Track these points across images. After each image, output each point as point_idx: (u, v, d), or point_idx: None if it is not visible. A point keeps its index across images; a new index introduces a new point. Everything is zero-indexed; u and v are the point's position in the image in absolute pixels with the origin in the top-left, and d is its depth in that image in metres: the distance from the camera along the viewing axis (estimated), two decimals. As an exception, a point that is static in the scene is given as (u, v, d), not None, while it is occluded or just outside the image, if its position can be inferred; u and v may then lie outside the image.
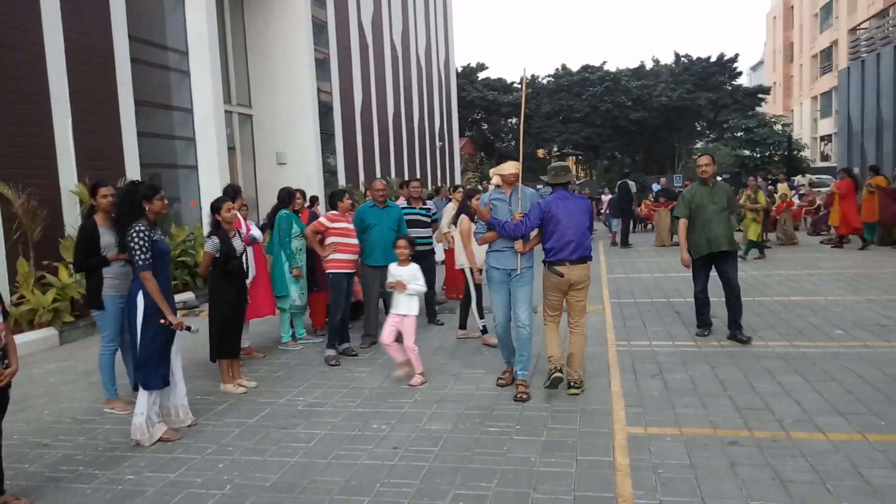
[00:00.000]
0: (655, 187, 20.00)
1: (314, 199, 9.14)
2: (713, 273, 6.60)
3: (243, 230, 6.33)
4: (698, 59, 37.16)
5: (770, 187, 22.22)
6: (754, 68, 70.53)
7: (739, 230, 11.19)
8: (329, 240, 6.40)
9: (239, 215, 6.27)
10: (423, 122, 27.58)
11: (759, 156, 30.69)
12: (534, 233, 5.13)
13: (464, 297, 7.09)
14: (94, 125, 9.70)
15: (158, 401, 4.46)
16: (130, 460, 4.13)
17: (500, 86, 40.98)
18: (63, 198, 9.00)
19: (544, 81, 39.98)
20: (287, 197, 7.09)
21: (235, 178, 14.52)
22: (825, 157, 44.99)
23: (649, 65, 40.57)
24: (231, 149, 14.52)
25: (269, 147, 15.96)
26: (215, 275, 5.43)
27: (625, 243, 16.18)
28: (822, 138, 47.53)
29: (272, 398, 5.29)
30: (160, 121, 12.05)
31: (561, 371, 4.99)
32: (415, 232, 7.35)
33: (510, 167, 5.19)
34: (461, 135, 36.95)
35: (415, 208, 7.70)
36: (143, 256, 4.29)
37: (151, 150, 11.39)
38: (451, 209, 8.81)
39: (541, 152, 41.23)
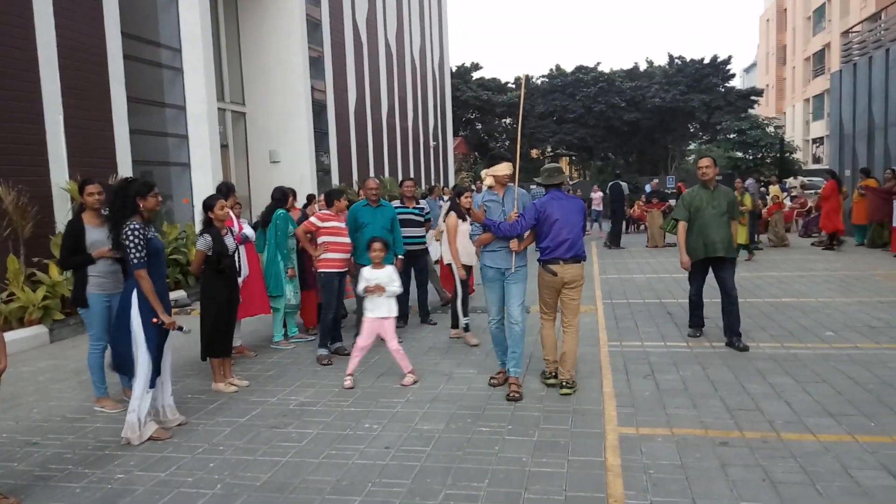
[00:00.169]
0: (648, 189, 20.03)
1: (311, 198, 9.12)
2: (710, 277, 6.55)
3: (235, 228, 6.31)
4: (692, 60, 37.27)
5: (762, 189, 22.35)
6: (747, 70, 70.85)
7: None
8: (320, 239, 6.39)
9: (231, 213, 6.25)
10: (417, 121, 27.56)
11: (751, 158, 30.81)
12: (527, 232, 5.19)
13: (453, 295, 7.10)
14: (86, 122, 9.65)
15: (150, 399, 4.44)
16: (120, 459, 4.11)
17: (495, 86, 40.98)
18: (54, 195, 8.95)
19: (538, 82, 40.01)
20: (282, 196, 7.08)
21: (228, 176, 14.47)
22: (817, 160, 45.28)
23: (643, 66, 40.64)
24: (224, 147, 14.48)
25: (263, 145, 15.92)
26: (207, 273, 5.40)
27: (616, 244, 16.21)
28: (814, 140, 47.82)
29: (264, 397, 5.28)
30: (153, 118, 11.99)
31: (555, 376, 5.22)
32: (408, 231, 7.35)
33: (504, 168, 5.22)
34: (455, 134, 36.95)
35: (408, 207, 7.69)
36: (137, 255, 4.27)
37: (144, 148, 11.33)
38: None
39: (534, 153, 41.27)
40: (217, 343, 5.45)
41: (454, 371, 5.85)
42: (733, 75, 38.48)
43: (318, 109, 17.25)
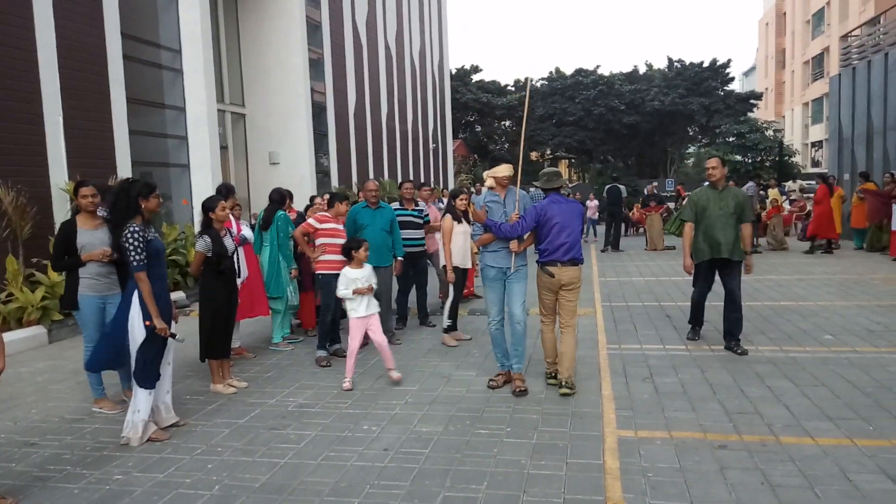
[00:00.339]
0: (646, 192, 20.03)
1: (314, 199, 9.13)
2: (717, 284, 6.45)
3: (234, 230, 6.31)
4: (691, 64, 37.30)
5: (761, 193, 22.37)
6: (746, 74, 70.98)
7: None
8: (318, 241, 6.40)
9: (231, 215, 6.25)
10: (416, 123, 27.58)
11: (750, 161, 30.84)
12: (528, 234, 5.25)
13: (444, 296, 7.15)
14: (86, 123, 9.65)
15: (151, 400, 4.44)
16: (119, 460, 4.10)
17: (494, 88, 41.02)
18: (53, 195, 8.95)
19: (538, 84, 40.05)
20: (280, 198, 7.09)
21: (228, 177, 14.48)
22: (816, 163, 45.33)
23: (642, 69, 40.70)
24: (223, 148, 14.48)
25: (262, 147, 15.92)
26: (206, 274, 5.40)
27: (616, 247, 16.22)
28: (813, 144, 47.88)
29: (262, 399, 5.27)
30: (152, 119, 11.99)
31: (555, 377, 5.31)
32: (407, 233, 7.35)
33: (504, 170, 5.30)
34: (455, 137, 36.97)
35: (407, 209, 7.69)
36: (137, 257, 4.27)
37: (143, 149, 11.33)
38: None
39: (534, 155, 41.30)
40: (216, 344, 5.44)
41: (453, 373, 5.84)
42: (732, 79, 38.50)
43: (318, 111, 17.26)
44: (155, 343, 4.38)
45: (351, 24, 20.05)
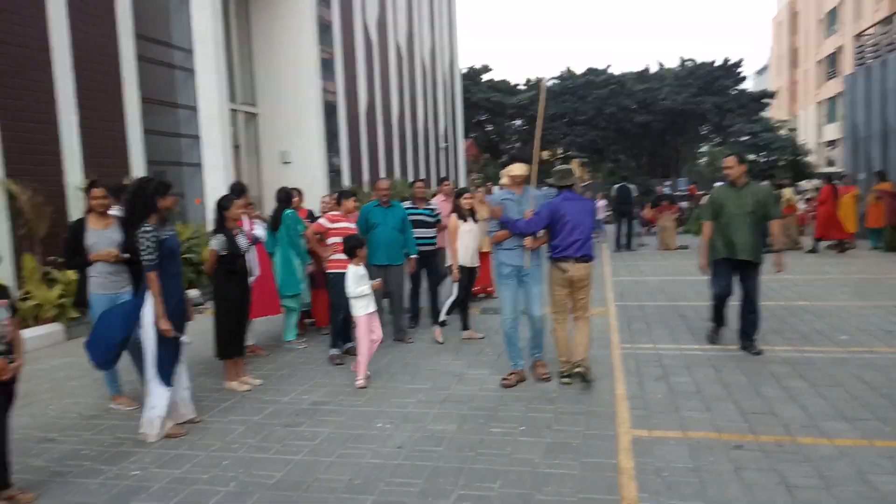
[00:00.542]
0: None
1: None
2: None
3: (247, 228, 6.35)
4: (703, 63, 37.07)
5: (775, 192, 22.16)
6: (759, 73, 70.44)
7: None
8: (330, 240, 6.42)
9: (244, 214, 6.29)
10: (427, 122, 27.60)
11: (763, 161, 30.63)
12: (542, 231, 5.34)
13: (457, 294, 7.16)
14: (100, 122, 9.74)
15: (169, 396, 4.46)
16: (136, 456, 4.14)
17: (505, 87, 40.97)
18: (69, 194, 9.04)
19: (549, 84, 39.95)
20: (286, 197, 7.13)
21: (240, 176, 14.55)
22: (830, 163, 44.92)
23: (654, 69, 40.49)
24: (236, 147, 14.56)
25: (274, 146, 15.99)
26: (220, 273, 5.43)
27: (628, 247, 16.16)
28: (827, 143, 47.46)
29: (277, 396, 5.30)
30: (165, 119, 12.08)
31: (570, 377, 5.36)
32: (419, 232, 7.36)
33: (519, 169, 5.40)
34: (465, 136, 36.95)
35: (419, 208, 7.70)
36: (148, 257, 4.29)
37: (156, 148, 11.42)
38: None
39: (545, 154, 41.24)
40: (230, 342, 5.47)
41: (466, 372, 5.85)
42: (745, 78, 38.21)
43: (330, 111, 17.31)
44: (170, 341, 4.41)
45: (362, 24, 20.10)
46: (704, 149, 43.08)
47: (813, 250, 14.03)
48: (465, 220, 7.03)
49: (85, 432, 4.62)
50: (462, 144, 34.27)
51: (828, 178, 14.79)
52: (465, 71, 38.79)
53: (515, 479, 3.69)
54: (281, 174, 15.44)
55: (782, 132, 32.47)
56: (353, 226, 6.57)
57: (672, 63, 43.03)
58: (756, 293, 6.12)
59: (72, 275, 8.01)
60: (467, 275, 7.07)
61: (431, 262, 7.70)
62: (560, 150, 41.07)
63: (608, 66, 39.37)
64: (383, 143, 21.87)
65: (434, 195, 10.29)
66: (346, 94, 18.53)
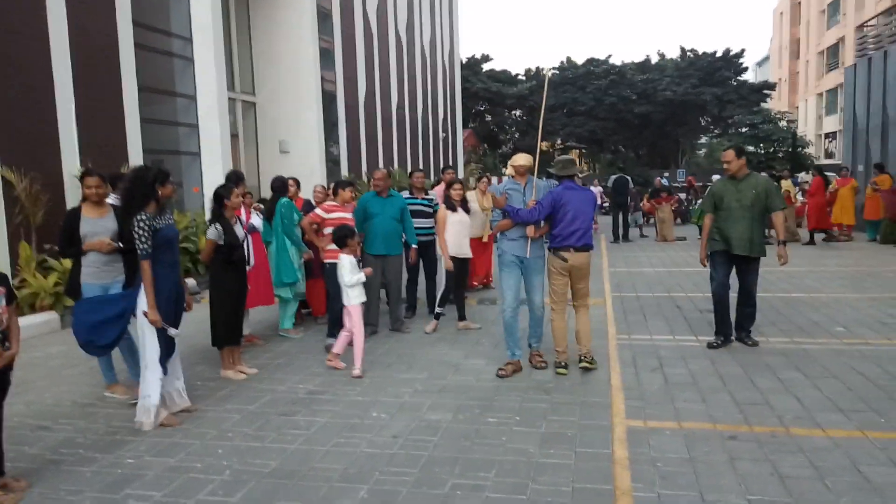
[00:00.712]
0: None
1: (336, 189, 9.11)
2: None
3: (244, 218, 6.33)
4: (704, 53, 36.98)
5: (774, 184, 22.11)
6: (760, 64, 70.20)
7: None
8: (327, 230, 6.41)
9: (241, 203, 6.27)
10: (426, 112, 27.51)
11: (763, 152, 30.57)
12: (543, 221, 5.45)
13: (447, 285, 7.17)
14: (98, 111, 9.69)
15: (161, 385, 4.46)
16: (131, 444, 4.14)
17: (505, 78, 40.84)
18: (66, 182, 9.01)
19: (549, 74, 39.92)
20: (282, 185, 7.11)
21: (238, 165, 14.51)
22: (829, 155, 44.87)
23: (655, 59, 40.34)
24: (234, 136, 14.51)
25: (273, 135, 15.94)
26: (216, 262, 5.42)
27: (625, 238, 16.17)
28: (827, 135, 47.38)
29: (272, 385, 5.30)
30: (163, 107, 12.03)
31: (566, 367, 5.41)
32: (417, 222, 7.34)
33: (521, 159, 5.56)
34: (464, 126, 36.86)
35: (417, 198, 7.69)
36: (142, 246, 4.27)
37: (154, 137, 11.37)
38: (471, 197, 8.86)
39: (545, 145, 41.18)
40: (227, 331, 5.47)
41: (462, 362, 5.85)
42: (746, 69, 38.13)
43: (329, 100, 17.25)
44: (163, 330, 4.39)
45: (362, 13, 19.99)
46: (704, 140, 43.00)
47: (810, 242, 14.07)
48: (455, 211, 7.02)
49: (80, 420, 4.62)
50: (461, 134, 34.17)
51: (818, 169, 14.93)
52: (464, 61, 38.63)
53: (510, 468, 3.70)
54: (279, 164, 15.39)
55: (782, 124, 32.38)
56: (349, 216, 6.56)
57: (673, 53, 42.83)
58: (754, 287, 6.10)
59: (67, 263, 8.01)
60: (459, 265, 7.05)
61: (429, 253, 7.69)
62: (559, 141, 40.99)
63: (609, 57, 39.30)
64: (382, 133, 21.80)
65: (436, 184, 10.28)
66: (345, 83, 18.45)
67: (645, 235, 17.31)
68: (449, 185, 7.23)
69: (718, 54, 36.54)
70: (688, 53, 37.72)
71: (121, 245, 4.85)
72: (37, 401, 5.08)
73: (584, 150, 42.46)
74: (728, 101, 35.89)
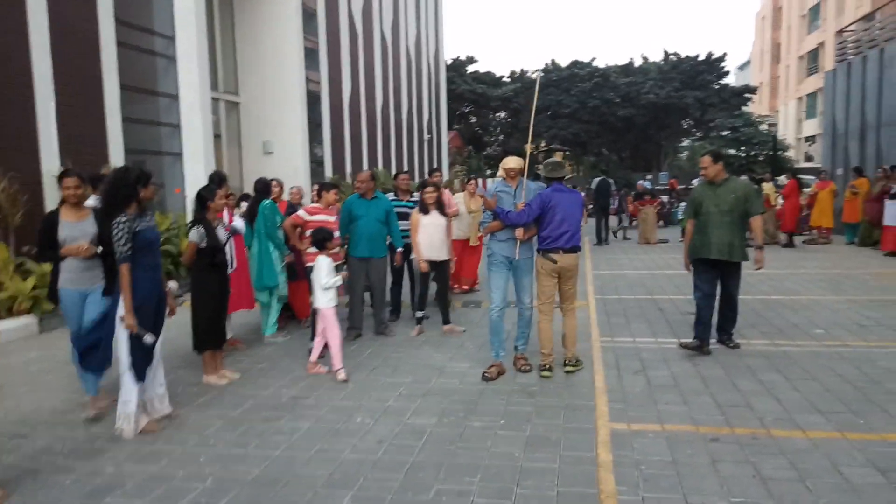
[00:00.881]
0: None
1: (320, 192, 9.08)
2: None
3: (226, 220, 6.27)
4: (687, 57, 37.30)
5: (755, 187, 22.33)
6: (741, 68, 70.93)
7: None
8: (308, 232, 6.37)
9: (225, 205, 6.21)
10: (411, 113, 27.49)
11: (744, 155, 30.91)
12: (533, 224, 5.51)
13: (412, 287, 7.19)
14: (78, 109, 9.56)
15: (140, 391, 4.39)
16: (111, 452, 4.09)
17: (489, 79, 40.90)
18: (45, 182, 8.88)
19: (533, 76, 40.00)
20: (264, 188, 7.06)
21: (221, 166, 14.38)
22: (809, 158, 45.46)
23: (638, 62, 40.64)
24: (217, 136, 14.38)
25: (256, 136, 15.83)
26: (198, 265, 5.37)
27: (606, 240, 16.27)
28: (807, 139, 47.99)
29: (255, 390, 5.26)
30: (145, 106, 11.89)
31: (550, 369, 5.44)
32: (403, 224, 7.32)
33: (512, 162, 5.64)
34: (449, 128, 36.87)
35: (402, 201, 7.67)
36: (121, 248, 4.20)
37: (136, 137, 11.24)
38: (458, 199, 8.84)
39: (529, 147, 41.32)
40: (209, 335, 5.42)
41: (447, 365, 5.85)
42: (727, 72, 38.51)
43: (313, 100, 17.16)
44: (138, 335, 4.30)
45: (347, 13, 19.92)
46: (686, 143, 43.38)
47: (789, 244, 14.26)
48: (428, 213, 6.97)
49: (59, 427, 4.54)
50: (445, 136, 34.18)
51: (792, 172, 15.29)
52: (449, 62, 38.65)
53: (495, 472, 3.70)
54: (262, 164, 15.29)
55: (763, 127, 32.75)
56: (332, 218, 6.53)
57: (656, 57, 43.17)
58: (736, 291, 6.12)
59: (46, 266, 7.89)
60: (435, 268, 6.98)
61: (412, 254, 7.67)
62: (543, 143, 41.13)
63: (593, 59, 39.50)
64: (367, 134, 21.74)
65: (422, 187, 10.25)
66: (329, 83, 18.37)
67: (628, 238, 17.42)
68: (423, 187, 7.19)
69: (701, 58, 36.90)
70: (670, 57, 38.05)
71: (100, 249, 4.72)
72: (14, 407, 4.99)
73: (567, 153, 42.64)
74: (710, 104, 36.25)
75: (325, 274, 5.54)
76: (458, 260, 8.66)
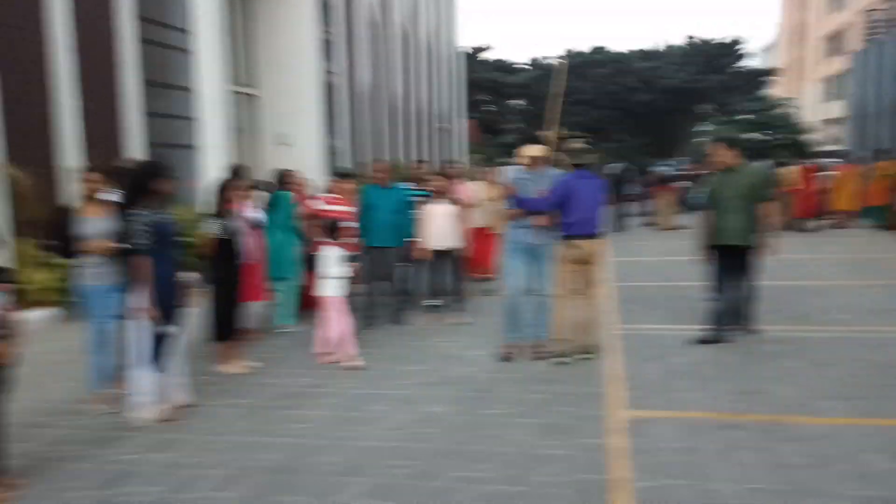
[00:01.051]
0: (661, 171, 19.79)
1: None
2: None
3: (245, 212, 6.31)
4: (709, 41, 36.70)
5: (770, 173, 21.94)
6: (766, 50, 69.66)
7: None
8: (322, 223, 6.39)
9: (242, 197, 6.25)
10: (430, 103, 27.40)
11: (766, 139, 30.33)
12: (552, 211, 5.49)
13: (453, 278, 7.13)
14: (100, 105, 9.68)
15: (155, 381, 4.44)
16: (130, 440, 4.16)
17: (506, 67, 40.61)
18: (67, 178, 9.00)
19: (558, 63, 39.67)
20: (283, 179, 7.11)
21: (240, 159, 14.47)
22: (834, 140, 44.57)
23: (661, 48, 40.03)
24: (235, 129, 14.48)
25: (275, 128, 15.89)
26: (216, 256, 5.42)
27: (622, 227, 16.12)
28: (831, 121, 47.02)
29: (271, 379, 5.31)
30: (165, 101, 11.99)
31: (567, 356, 5.43)
32: (418, 214, 7.30)
33: (535, 150, 5.64)
34: (467, 116, 36.72)
35: (421, 190, 7.65)
36: (140, 242, 4.25)
37: (156, 130, 11.35)
38: (478, 187, 8.78)
39: (554, 133, 40.96)
40: (225, 325, 5.48)
41: (462, 353, 5.85)
42: (750, 55, 37.82)
43: (331, 92, 17.18)
44: (157, 327, 4.36)
45: (367, 4, 19.88)
46: (707, 127, 42.74)
47: (809, 229, 13.99)
48: (436, 203, 6.93)
49: (79, 416, 4.63)
50: (464, 125, 34.05)
51: (809, 157, 15.11)
52: (466, 51, 38.43)
53: (510, 460, 3.70)
54: (281, 156, 15.35)
55: (786, 110, 32.14)
56: (349, 209, 6.54)
57: (678, 41, 42.50)
58: (751, 277, 5.95)
59: (71, 260, 8.03)
60: (443, 256, 6.93)
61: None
62: (563, 130, 40.76)
63: (613, 46, 38.98)
64: (385, 125, 21.73)
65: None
66: (347, 74, 18.38)
67: (649, 224, 17.24)
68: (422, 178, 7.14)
69: (724, 41, 36.26)
70: (693, 41, 37.44)
71: (122, 246, 4.69)
72: (37, 397, 5.09)
73: (588, 140, 42.27)
74: (732, 87, 35.65)
75: (332, 264, 5.57)
76: (475, 248, 8.63)
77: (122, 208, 4.62)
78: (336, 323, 5.58)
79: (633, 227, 16.46)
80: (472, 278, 9.10)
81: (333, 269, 5.57)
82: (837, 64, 42.74)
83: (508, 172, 6.02)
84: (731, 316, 5.94)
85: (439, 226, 6.88)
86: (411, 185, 7.62)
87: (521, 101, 41.83)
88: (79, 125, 9.27)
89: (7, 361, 3.44)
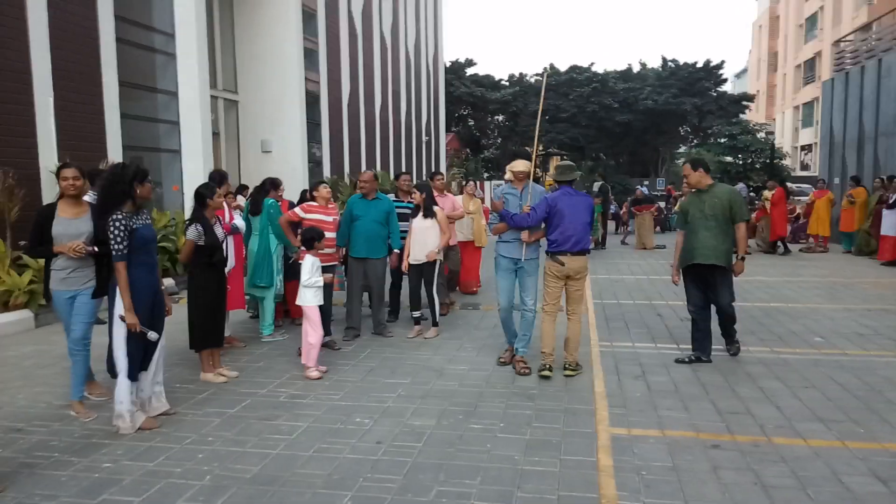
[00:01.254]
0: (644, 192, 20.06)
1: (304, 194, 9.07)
2: None
3: (226, 218, 6.24)
4: (685, 64, 37.40)
5: (751, 194, 22.45)
6: (738, 76, 71.23)
7: None
8: (300, 231, 6.34)
9: (224, 203, 6.18)
10: (410, 115, 27.46)
11: (741, 163, 30.93)
12: (543, 225, 5.59)
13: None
14: (77, 105, 9.51)
15: (134, 390, 4.34)
16: (107, 448, 4.05)
17: (488, 82, 40.87)
18: (42, 177, 8.83)
19: (532, 80, 40.02)
20: (272, 186, 7.05)
21: (219, 164, 14.33)
22: (805, 167, 45.65)
23: (636, 68, 40.70)
24: (215, 134, 14.34)
25: (255, 134, 15.78)
26: (196, 263, 5.33)
27: (602, 245, 16.29)
28: (803, 148, 48.19)
29: (253, 388, 5.23)
30: (144, 103, 11.85)
31: (550, 370, 5.45)
32: (403, 226, 7.29)
33: (520, 165, 5.68)
34: (447, 130, 36.84)
35: (403, 202, 7.65)
36: (117, 247, 4.16)
37: (134, 133, 11.20)
38: (459, 201, 8.80)
39: (536, 149, 41.24)
40: (206, 334, 5.38)
41: (446, 367, 5.82)
42: (725, 80, 38.64)
43: (312, 101, 17.12)
44: (138, 334, 4.27)
45: (347, 14, 19.90)
46: (683, 149, 43.48)
47: (785, 252, 14.32)
48: (417, 216, 6.90)
49: (55, 422, 4.50)
50: (444, 138, 34.17)
51: (780, 180, 15.43)
52: (448, 65, 38.63)
53: (495, 475, 3.68)
54: (261, 163, 15.24)
55: (760, 135, 32.84)
56: (328, 218, 6.49)
57: (655, 63, 43.31)
58: (728, 300, 5.92)
59: (42, 261, 7.83)
60: (419, 269, 6.88)
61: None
62: (541, 147, 41.12)
63: (591, 64, 39.56)
64: (365, 135, 21.71)
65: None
66: (328, 83, 18.34)
67: (626, 243, 17.44)
68: (420, 190, 7.05)
69: (699, 65, 36.99)
70: (669, 63, 38.14)
71: (95, 249, 4.57)
72: (10, 402, 4.95)
73: (565, 157, 42.63)
74: (707, 111, 36.35)
75: (307, 272, 5.53)
76: (462, 262, 8.68)
77: (98, 211, 4.50)
78: (310, 332, 5.52)
79: (612, 246, 16.63)
80: (458, 292, 9.11)
81: (306, 277, 5.52)
82: (809, 92, 43.91)
83: (489, 188, 6.08)
84: (708, 336, 5.99)
85: (422, 238, 6.85)
86: (393, 197, 7.59)
87: (501, 117, 42.11)
88: (56, 126, 9.09)
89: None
